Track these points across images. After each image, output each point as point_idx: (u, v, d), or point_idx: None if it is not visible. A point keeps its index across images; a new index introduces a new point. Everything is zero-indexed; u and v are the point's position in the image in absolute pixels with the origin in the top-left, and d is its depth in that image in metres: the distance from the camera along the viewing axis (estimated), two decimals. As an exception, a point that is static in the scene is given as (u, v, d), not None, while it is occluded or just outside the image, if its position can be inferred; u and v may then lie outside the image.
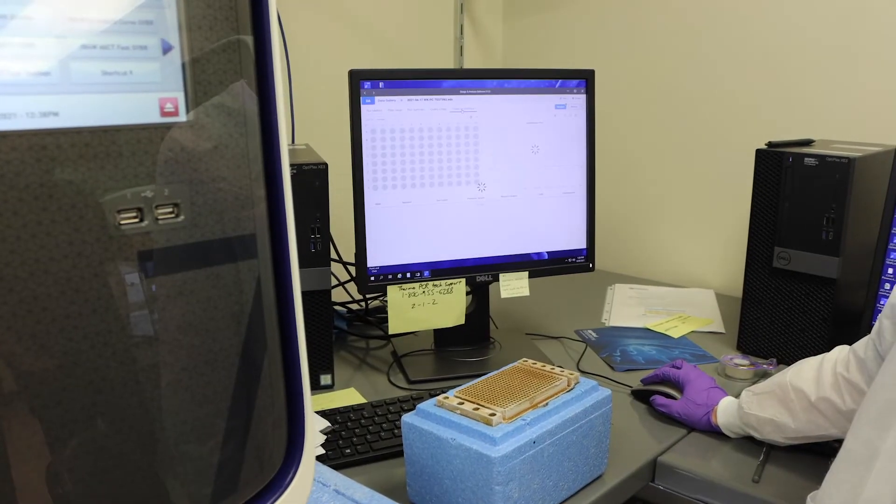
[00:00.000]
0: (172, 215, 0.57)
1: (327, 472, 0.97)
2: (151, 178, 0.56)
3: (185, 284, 0.59)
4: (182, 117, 0.58)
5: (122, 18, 0.54)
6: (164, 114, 0.57)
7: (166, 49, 0.56)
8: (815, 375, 1.16)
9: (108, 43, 0.53)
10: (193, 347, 0.59)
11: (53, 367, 0.52)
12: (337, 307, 1.86)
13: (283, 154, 0.64)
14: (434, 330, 1.66)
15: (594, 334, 1.82)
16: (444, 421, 1.05)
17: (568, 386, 1.14)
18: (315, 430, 1.14)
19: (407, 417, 1.09)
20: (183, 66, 0.57)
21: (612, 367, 1.63)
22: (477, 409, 1.04)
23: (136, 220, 0.55)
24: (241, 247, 0.62)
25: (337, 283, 1.81)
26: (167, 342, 0.58)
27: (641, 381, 1.48)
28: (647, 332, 1.84)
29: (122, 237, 0.54)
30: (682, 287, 2.19)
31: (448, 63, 2.40)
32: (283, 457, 0.69)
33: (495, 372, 1.19)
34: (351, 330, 1.84)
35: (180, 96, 0.57)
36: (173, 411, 0.59)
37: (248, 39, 0.62)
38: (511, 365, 1.21)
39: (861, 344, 1.11)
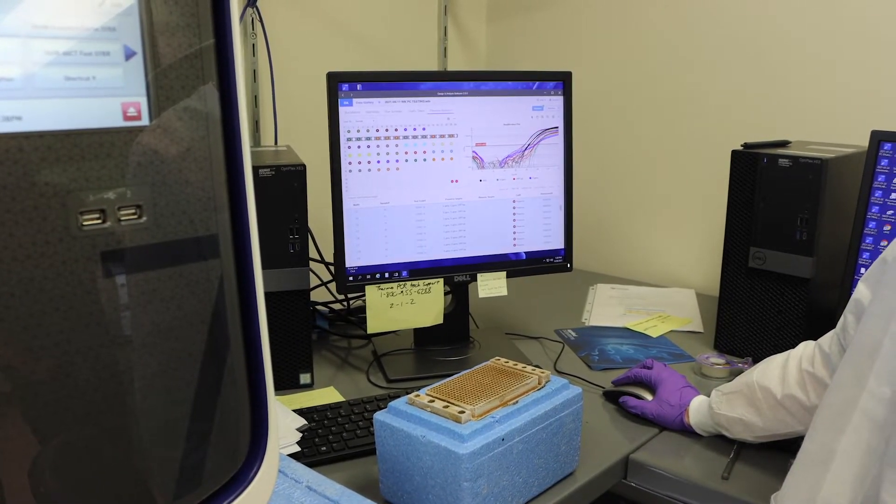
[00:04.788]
0: (135, 216, 0.58)
1: (300, 469, 0.98)
2: (114, 180, 0.57)
3: (148, 284, 0.60)
4: (145, 121, 0.59)
5: (85, 25, 0.55)
6: (126, 118, 0.58)
7: (129, 55, 0.58)
8: (781, 373, 1.17)
9: (71, 49, 0.55)
10: (156, 345, 0.61)
11: (17, 364, 0.53)
12: (319, 307, 1.88)
13: (245, 155, 0.66)
14: (414, 329, 1.67)
15: (573, 334, 1.84)
16: (414, 418, 1.06)
17: (539, 384, 1.16)
18: (279, 427, 1.15)
19: (379, 415, 1.10)
20: (146, 71, 0.59)
21: (589, 367, 1.64)
22: (447, 406, 1.05)
23: (99, 221, 0.56)
24: (203, 247, 0.64)
25: (319, 282, 1.82)
26: (129, 340, 0.59)
27: (612, 382, 1.50)
28: (626, 332, 1.85)
29: (85, 238, 0.55)
30: (663, 287, 2.21)
31: (432, 65, 2.42)
32: (247, 453, 0.70)
33: (467, 371, 1.20)
34: (333, 329, 1.86)
35: (143, 101, 0.59)
36: (136, 408, 0.60)
37: (211, 44, 0.63)
38: (483, 364, 1.23)
39: (826, 339, 1.13)
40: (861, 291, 1.01)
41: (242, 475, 0.70)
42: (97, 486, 0.59)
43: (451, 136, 1.57)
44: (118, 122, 0.57)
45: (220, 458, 0.68)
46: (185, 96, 0.61)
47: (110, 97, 0.57)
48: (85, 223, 0.55)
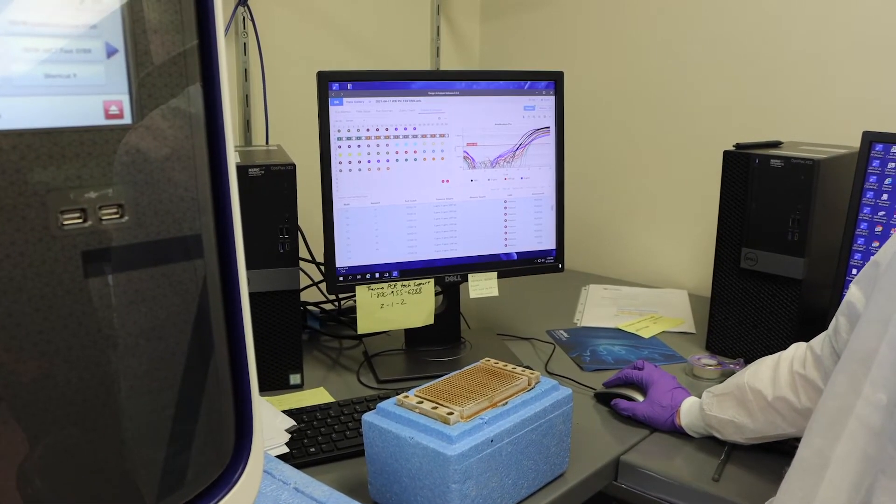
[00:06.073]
0: (117, 216, 0.58)
1: (288, 471, 0.97)
2: (95, 179, 0.56)
3: (130, 284, 0.59)
4: (127, 120, 0.58)
5: (65, 22, 0.55)
6: (108, 116, 0.57)
7: (111, 52, 0.57)
8: (772, 375, 1.17)
9: (51, 46, 0.54)
10: (139, 346, 0.60)
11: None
12: (310, 307, 1.87)
13: (229, 156, 0.65)
14: (405, 330, 1.66)
15: (565, 334, 1.83)
16: (403, 420, 1.06)
17: (528, 385, 1.16)
18: (267, 429, 1.15)
19: (367, 416, 1.10)
20: (128, 69, 0.58)
21: (580, 368, 1.64)
22: (435, 407, 1.05)
23: (80, 220, 0.56)
24: (187, 247, 0.63)
25: (310, 282, 1.82)
26: (112, 341, 0.58)
27: (603, 384, 1.49)
28: (618, 333, 1.85)
29: (66, 237, 0.55)
30: (655, 287, 2.21)
31: (425, 65, 2.41)
32: (232, 454, 0.70)
33: (457, 372, 1.20)
34: (324, 330, 1.85)
35: (125, 99, 0.58)
36: (119, 409, 0.60)
37: (194, 43, 0.62)
38: (473, 364, 1.22)
39: (818, 341, 1.12)
40: (854, 294, 1.01)
41: (227, 476, 0.69)
42: (80, 487, 0.58)
43: (441, 135, 1.56)
44: (100, 120, 0.57)
45: (204, 460, 0.67)
46: (168, 95, 0.61)
47: (91, 95, 0.56)
48: (65, 222, 0.55)
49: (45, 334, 0.54)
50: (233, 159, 0.66)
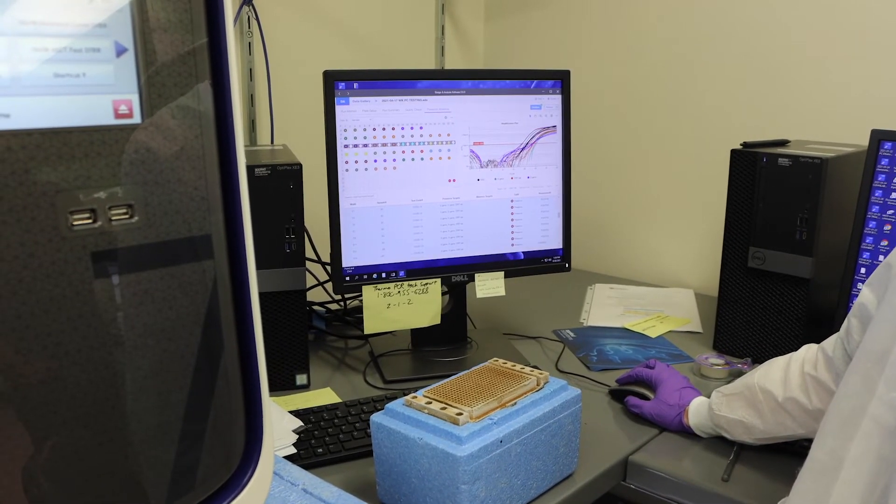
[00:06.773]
0: (126, 216, 0.57)
1: (296, 472, 0.97)
2: (105, 179, 0.56)
3: (140, 285, 0.59)
4: (137, 120, 0.58)
5: (74, 21, 0.54)
6: (118, 116, 0.57)
7: (120, 51, 0.57)
8: (783, 376, 1.17)
9: (60, 45, 0.54)
10: (148, 347, 0.60)
11: (5, 366, 0.52)
12: (316, 307, 1.87)
13: (239, 155, 0.65)
14: (411, 329, 1.66)
15: (572, 334, 1.83)
16: (411, 420, 1.05)
17: (537, 385, 1.15)
18: (274, 430, 1.14)
19: (375, 417, 1.09)
20: (137, 68, 0.58)
21: (588, 367, 1.63)
22: (444, 408, 1.04)
23: (90, 221, 0.55)
24: (196, 247, 0.63)
25: (316, 283, 1.81)
26: (121, 342, 0.58)
27: (616, 381, 1.49)
28: (624, 332, 1.85)
29: (75, 238, 0.54)
30: (662, 287, 2.20)
31: (430, 64, 2.41)
32: (242, 456, 0.69)
33: (465, 372, 1.19)
34: (330, 330, 1.85)
35: (135, 98, 0.58)
36: (129, 410, 0.59)
37: (204, 43, 0.62)
38: (481, 365, 1.22)
39: (830, 342, 1.12)
40: (866, 296, 1.00)
41: (237, 479, 0.69)
42: (88, 489, 0.58)
43: (448, 135, 1.56)
44: (109, 120, 0.56)
45: (214, 462, 0.67)
46: (177, 94, 0.60)
47: (101, 94, 0.56)
48: (75, 223, 0.54)
49: (54, 336, 0.54)
50: (242, 158, 0.65)
